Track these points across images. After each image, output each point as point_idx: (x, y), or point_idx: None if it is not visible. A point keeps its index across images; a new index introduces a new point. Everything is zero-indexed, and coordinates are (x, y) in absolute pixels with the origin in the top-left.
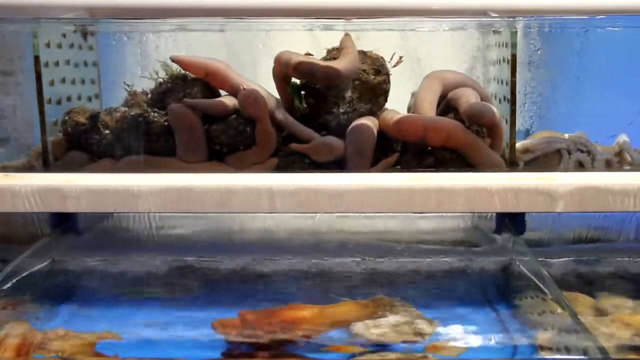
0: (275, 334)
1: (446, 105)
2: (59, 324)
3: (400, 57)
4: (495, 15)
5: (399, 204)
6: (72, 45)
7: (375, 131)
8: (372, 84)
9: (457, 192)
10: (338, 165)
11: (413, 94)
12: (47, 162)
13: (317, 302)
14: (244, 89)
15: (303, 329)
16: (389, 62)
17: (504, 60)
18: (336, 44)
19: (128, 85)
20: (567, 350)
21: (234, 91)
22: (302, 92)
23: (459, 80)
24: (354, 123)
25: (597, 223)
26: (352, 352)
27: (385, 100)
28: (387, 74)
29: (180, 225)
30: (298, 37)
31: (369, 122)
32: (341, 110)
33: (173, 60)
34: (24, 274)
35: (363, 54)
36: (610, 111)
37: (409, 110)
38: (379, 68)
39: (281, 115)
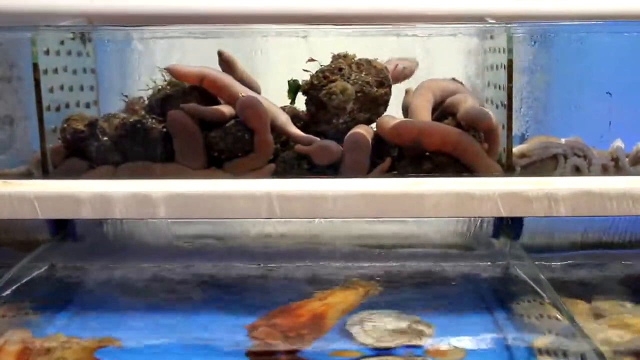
0: (311, 332)
1: (443, 111)
2: (59, 330)
3: (404, 68)
4: (492, 21)
5: (396, 209)
6: (70, 53)
7: (370, 139)
8: (374, 96)
9: (454, 197)
10: (336, 170)
11: (407, 91)
12: (46, 169)
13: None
14: (242, 96)
15: (328, 323)
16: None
17: (500, 66)
18: (334, 50)
19: (125, 96)
20: (565, 354)
21: (232, 99)
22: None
23: (451, 89)
24: (349, 133)
25: (594, 227)
26: (351, 356)
27: (385, 110)
28: (390, 86)
29: (179, 231)
30: (296, 43)
31: (364, 131)
32: (341, 121)
33: (167, 70)
34: (23, 281)
35: (368, 63)
36: (607, 116)
37: (403, 108)
38: (383, 80)
39: (280, 121)
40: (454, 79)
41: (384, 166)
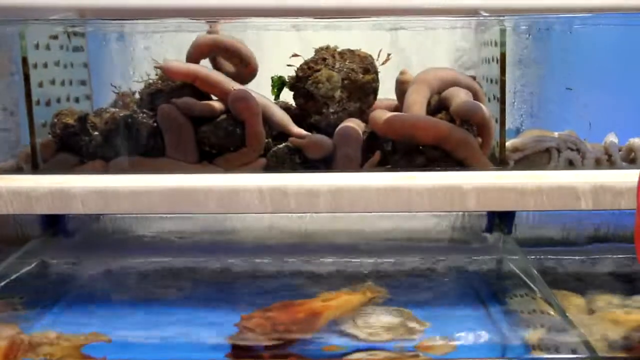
0: (303, 330)
1: (438, 104)
2: (47, 326)
3: (388, 55)
4: (486, 14)
5: (389, 204)
6: (61, 47)
7: (361, 132)
8: (361, 82)
9: (445, 191)
10: (327, 164)
11: (402, 72)
12: (36, 164)
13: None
14: (234, 89)
15: (322, 322)
16: (377, 60)
17: (493, 59)
18: (326, 43)
19: (115, 87)
20: (557, 349)
21: (224, 95)
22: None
23: (451, 78)
24: (339, 127)
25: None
26: (342, 350)
27: (375, 99)
28: (376, 72)
29: (169, 226)
30: (288, 36)
31: (354, 124)
32: (331, 110)
33: (160, 68)
34: (13, 276)
35: (351, 52)
36: (600, 109)
37: (396, 89)
38: (368, 67)
39: (273, 115)
40: (473, 77)
41: (373, 160)
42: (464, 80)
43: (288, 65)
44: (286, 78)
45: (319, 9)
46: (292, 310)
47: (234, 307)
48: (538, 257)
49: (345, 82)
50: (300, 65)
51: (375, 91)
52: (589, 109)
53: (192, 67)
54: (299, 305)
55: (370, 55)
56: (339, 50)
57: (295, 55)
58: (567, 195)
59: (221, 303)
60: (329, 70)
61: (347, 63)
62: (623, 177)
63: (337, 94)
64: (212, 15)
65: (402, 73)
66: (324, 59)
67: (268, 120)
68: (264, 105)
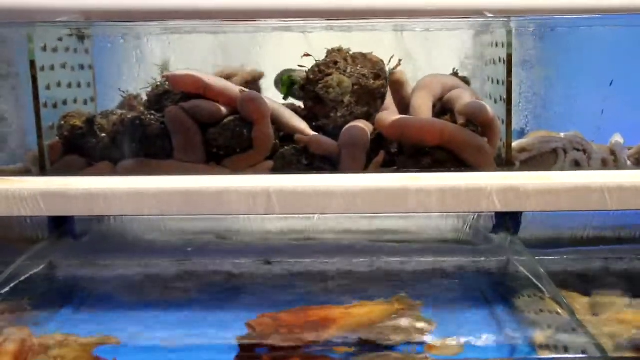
0: (309, 333)
1: (442, 107)
2: (57, 328)
3: (399, 60)
4: (491, 15)
5: (396, 205)
6: (67, 49)
7: (369, 133)
8: (371, 88)
9: (454, 192)
10: (334, 165)
11: (391, 73)
12: (43, 167)
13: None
14: (242, 91)
15: (335, 330)
16: (388, 64)
17: (499, 60)
18: (331, 45)
19: (123, 92)
20: (566, 349)
21: (231, 101)
22: (294, 86)
23: (452, 84)
24: (346, 127)
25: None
26: (350, 351)
27: (382, 103)
28: (386, 78)
29: (176, 228)
30: (294, 38)
31: (362, 124)
32: (339, 114)
33: (165, 79)
34: (21, 278)
35: (363, 56)
36: (606, 110)
37: (390, 84)
38: (379, 72)
39: (281, 118)
40: (456, 74)
41: (377, 160)
42: (462, 86)
43: (300, 66)
44: (296, 77)
45: (320, 10)
46: (305, 314)
47: (245, 309)
48: (544, 257)
49: (356, 87)
50: (312, 67)
51: (383, 96)
52: (595, 110)
53: (199, 77)
54: (314, 310)
55: (382, 60)
56: (351, 53)
57: (306, 55)
58: None
59: (231, 305)
60: (340, 75)
61: (358, 68)
62: None
63: (347, 98)
64: (218, 17)
65: (392, 74)
66: (336, 62)
67: (277, 122)
68: (273, 108)
